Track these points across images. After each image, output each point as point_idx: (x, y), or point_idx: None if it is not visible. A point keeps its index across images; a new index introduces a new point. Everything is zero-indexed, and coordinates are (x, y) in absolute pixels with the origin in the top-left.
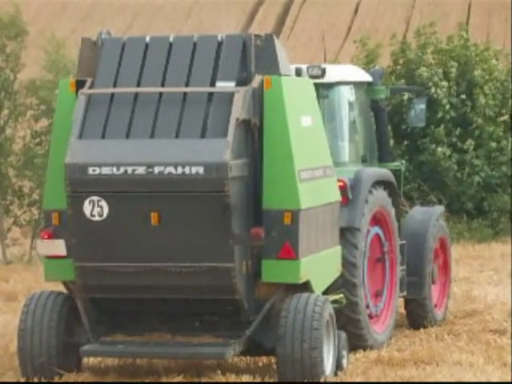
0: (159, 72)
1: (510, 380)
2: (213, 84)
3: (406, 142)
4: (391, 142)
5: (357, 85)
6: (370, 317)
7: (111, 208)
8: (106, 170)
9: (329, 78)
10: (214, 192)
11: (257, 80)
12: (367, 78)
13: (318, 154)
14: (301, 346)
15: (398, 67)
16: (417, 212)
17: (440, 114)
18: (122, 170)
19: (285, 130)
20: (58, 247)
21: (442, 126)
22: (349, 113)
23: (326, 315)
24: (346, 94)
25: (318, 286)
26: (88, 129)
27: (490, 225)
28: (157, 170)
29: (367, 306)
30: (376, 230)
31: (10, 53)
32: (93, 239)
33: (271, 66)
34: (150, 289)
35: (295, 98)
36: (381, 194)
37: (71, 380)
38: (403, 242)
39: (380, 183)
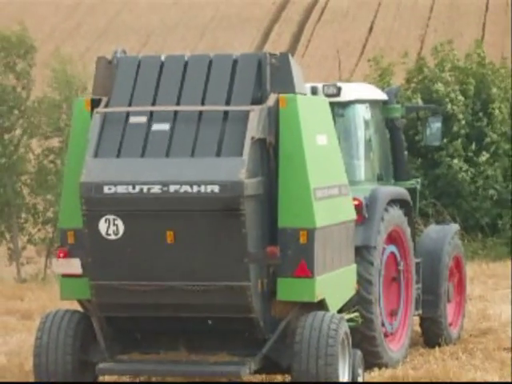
0: (174, 90)
1: (510, 380)
2: (228, 103)
3: (420, 159)
4: (406, 157)
5: (372, 103)
6: (386, 335)
7: (127, 226)
8: (121, 189)
9: (344, 96)
10: (229, 210)
11: (272, 98)
12: (382, 96)
13: (334, 172)
14: (316, 362)
15: (413, 85)
16: (432, 230)
17: (455, 129)
18: (137, 188)
19: (300, 149)
20: (74, 266)
21: (459, 140)
22: (364, 131)
23: (341, 333)
24: (362, 113)
25: (333, 305)
26: (103, 147)
27: (504, 243)
28: (172, 188)
29: (382, 324)
30: (391, 248)
31: (21, 71)
32: (108, 258)
33: (286, 84)
34: (166, 307)
35: (310, 117)
36: (396, 213)
37: None
38: (419, 260)
39: (396, 202)
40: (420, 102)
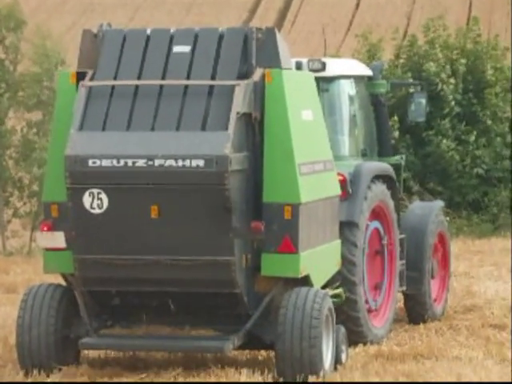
0: (160, 64)
1: (509, 380)
2: (214, 77)
3: (409, 137)
4: (396, 134)
5: (357, 79)
6: (369, 311)
7: (111, 200)
8: (106, 163)
9: (329, 71)
10: (214, 185)
11: (258, 73)
12: (367, 71)
13: (319, 147)
14: (300, 344)
15: (402, 60)
16: (417, 207)
17: (446, 110)
18: (122, 162)
19: (285, 124)
20: (58, 239)
21: (447, 120)
22: (349, 107)
23: (325, 311)
24: (347, 88)
25: (318, 281)
26: (88, 121)
27: (490, 220)
28: (157, 162)
29: (366, 302)
30: (375, 224)
31: (10, 44)
32: (92, 232)
33: (272, 59)
34: (149, 282)
35: (296, 92)
36: (380, 188)
37: (71, 373)
38: (403, 236)
39: (380, 177)
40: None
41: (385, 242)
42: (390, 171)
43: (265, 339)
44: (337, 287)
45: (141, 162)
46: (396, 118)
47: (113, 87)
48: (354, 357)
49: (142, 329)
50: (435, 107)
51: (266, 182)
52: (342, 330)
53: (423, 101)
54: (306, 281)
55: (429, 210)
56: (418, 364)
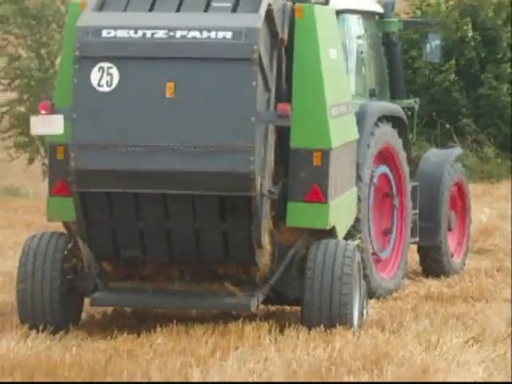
0: None
1: (509, 380)
2: None
3: (460, 78)
4: (452, 77)
5: (365, 15)
6: (377, 262)
7: (122, 76)
8: (121, 33)
9: (333, 5)
10: (241, 60)
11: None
12: (377, 8)
13: (342, 89)
14: (330, 300)
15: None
16: (433, 154)
17: (500, 55)
18: (140, 33)
19: (317, 64)
20: (55, 124)
21: (508, 64)
22: (355, 44)
23: (355, 265)
24: (352, 24)
25: (341, 232)
26: (109, 3)
27: None
28: (179, 34)
29: (373, 253)
30: (383, 168)
31: None
32: (96, 113)
33: None
34: (155, 179)
35: (325, 30)
36: (388, 130)
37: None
38: (415, 184)
39: (388, 119)
40: None
41: (394, 189)
42: (400, 112)
43: (287, 295)
44: (358, 237)
45: (161, 33)
46: (454, 61)
47: None
48: (404, 298)
49: (154, 282)
50: (490, 52)
51: (294, 126)
52: (364, 284)
53: (438, 41)
54: (331, 232)
55: (445, 158)
56: (468, 306)
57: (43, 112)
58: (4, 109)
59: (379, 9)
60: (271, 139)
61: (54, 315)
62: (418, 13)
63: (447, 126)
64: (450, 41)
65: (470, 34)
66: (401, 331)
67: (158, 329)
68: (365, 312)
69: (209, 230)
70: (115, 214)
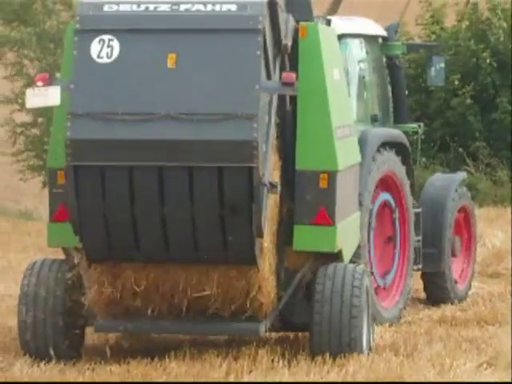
0: None
1: (509, 380)
2: None
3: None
4: (468, 101)
5: (368, 38)
6: (378, 290)
7: (123, 48)
8: (124, 7)
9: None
10: (245, 31)
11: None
12: (380, 31)
13: (346, 110)
14: (339, 324)
15: (464, 26)
16: (437, 179)
17: None
18: (142, 7)
19: (322, 84)
20: (52, 96)
21: None
22: (357, 68)
23: (364, 289)
24: (354, 48)
25: (347, 255)
26: None
27: None
28: (183, 7)
29: (374, 280)
30: (385, 195)
31: None
32: (94, 85)
33: (304, 9)
34: (155, 150)
35: (329, 50)
36: (391, 157)
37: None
38: (419, 210)
39: (391, 145)
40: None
41: (396, 215)
42: (402, 138)
43: (294, 320)
44: (359, 262)
45: (164, 7)
46: (471, 86)
47: None
48: (417, 322)
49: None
50: (504, 77)
51: (300, 147)
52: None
53: (442, 64)
54: (337, 256)
55: (449, 182)
56: (481, 329)
57: (40, 84)
58: (19, 130)
59: (382, 32)
60: (272, 134)
61: (57, 345)
62: (433, 37)
63: (460, 149)
64: (467, 67)
65: (488, 60)
66: (414, 355)
67: (172, 352)
68: (372, 337)
69: (206, 215)
70: (108, 196)
